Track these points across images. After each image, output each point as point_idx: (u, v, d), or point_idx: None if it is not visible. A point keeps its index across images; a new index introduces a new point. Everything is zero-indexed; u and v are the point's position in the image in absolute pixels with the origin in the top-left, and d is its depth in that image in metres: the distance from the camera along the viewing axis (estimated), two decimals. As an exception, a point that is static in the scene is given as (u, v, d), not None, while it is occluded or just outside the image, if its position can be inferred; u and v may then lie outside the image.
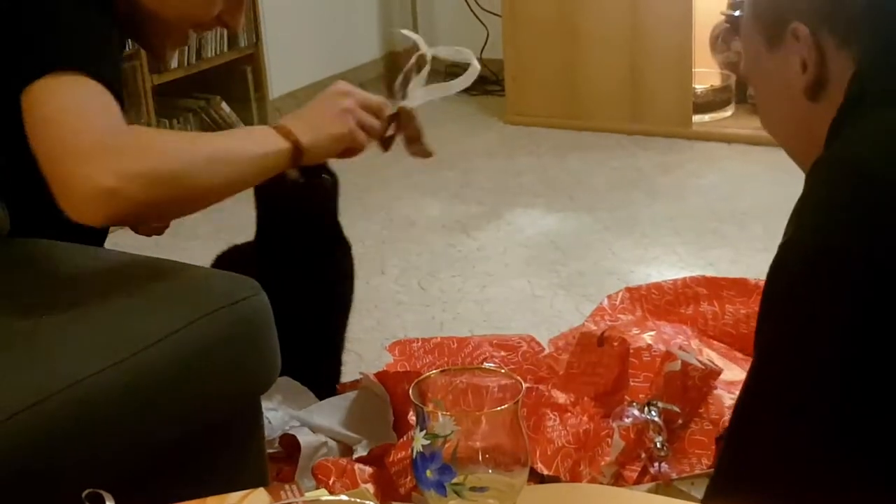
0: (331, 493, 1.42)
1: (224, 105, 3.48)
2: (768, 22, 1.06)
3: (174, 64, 3.26)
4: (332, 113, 1.43)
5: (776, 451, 0.91)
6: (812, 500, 0.79)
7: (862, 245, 0.86)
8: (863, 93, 0.97)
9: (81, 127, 1.23)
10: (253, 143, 1.35)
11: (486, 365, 1.87)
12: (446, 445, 0.80)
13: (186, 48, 3.28)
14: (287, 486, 0.76)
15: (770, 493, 0.82)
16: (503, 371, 0.86)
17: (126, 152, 1.23)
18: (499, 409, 0.82)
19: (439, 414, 0.81)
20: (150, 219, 1.27)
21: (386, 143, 1.58)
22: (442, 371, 0.86)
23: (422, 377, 0.84)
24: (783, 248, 0.91)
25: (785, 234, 0.92)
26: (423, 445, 0.81)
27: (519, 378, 0.84)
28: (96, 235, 1.58)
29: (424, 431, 0.81)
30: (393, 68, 4.46)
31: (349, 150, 1.47)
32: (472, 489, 0.81)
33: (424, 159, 1.63)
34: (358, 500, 0.79)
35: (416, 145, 1.61)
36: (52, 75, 1.26)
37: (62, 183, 1.22)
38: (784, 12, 1.04)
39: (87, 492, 0.70)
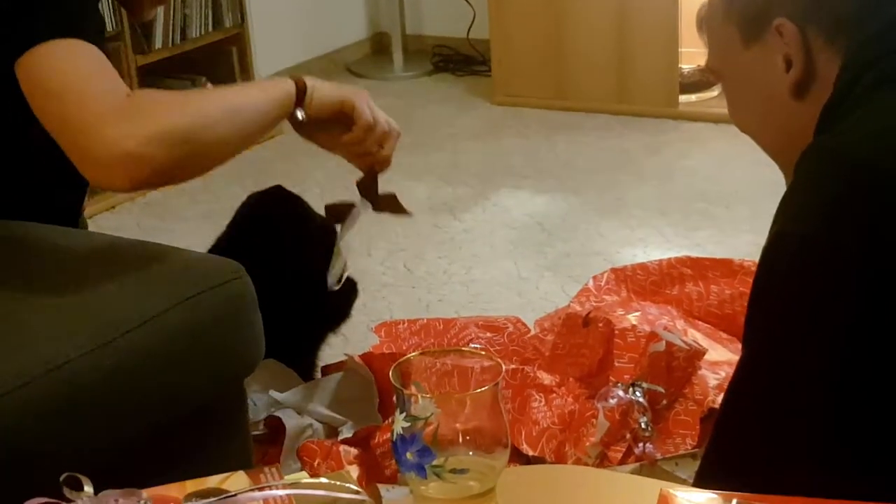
0: (316, 474, 1.42)
1: (209, 86, 3.45)
2: (747, 16, 1.03)
3: (158, 44, 3.24)
4: (348, 86, 1.54)
5: (765, 440, 0.91)
6: (800, 489, 0.79)
7: (852, 236, 0.85)
8: (852, 85, 0.96)
9: (90, 93, 1.23)
10: (259, 90, 1.42)
11: (470, 346, 1.87)
12: (427, 428, 0.80)
13: (171, 28, 3.26)
14: (267, 469, 0.76)
15: (758, 481, 0.82)
16: (483, 353, 0.86)
17: (142, 115, 1.23)
18: (479, 390, 0.82)
19: (419, 396, 0.81)
20: (175, 179, 1.30)
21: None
22: (422, 353, 0.86)
23: (402, 359, 0.84)
24: (773, 239, 0.90)
25: (774, 223, 0.91)
26: (402, 428, 0.81)
27: (499, 360, 0.84)
28: (71, 216, 1.58)
29: (404, 414, 0.81)
30: (379, 49, 4.45)
31: (344, 116, 1.51)
32: (453, 471, 0.81)
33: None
34: (339, 483, 0.79)
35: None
36: (45, 44, 1.25)
37: (83, 151, 1.22)
38: (767, 7, 1.00)
39: (64, 476, 0.70)
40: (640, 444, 1.61)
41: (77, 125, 1.22)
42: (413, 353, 0.85)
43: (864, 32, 0.98)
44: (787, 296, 0.90)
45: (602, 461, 1.62)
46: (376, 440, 1.69)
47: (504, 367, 0.84)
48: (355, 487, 0.79)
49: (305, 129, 1.49)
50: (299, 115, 1.44)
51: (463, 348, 1.73)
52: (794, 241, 0.89)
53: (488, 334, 1.98)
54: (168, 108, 1.27)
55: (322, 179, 3.18)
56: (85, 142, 1.22)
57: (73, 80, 1.24)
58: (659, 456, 1.60)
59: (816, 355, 0.88)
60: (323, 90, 1.47)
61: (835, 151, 0.92)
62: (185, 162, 1.26)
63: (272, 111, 1.40)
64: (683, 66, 3.60)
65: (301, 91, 1.43)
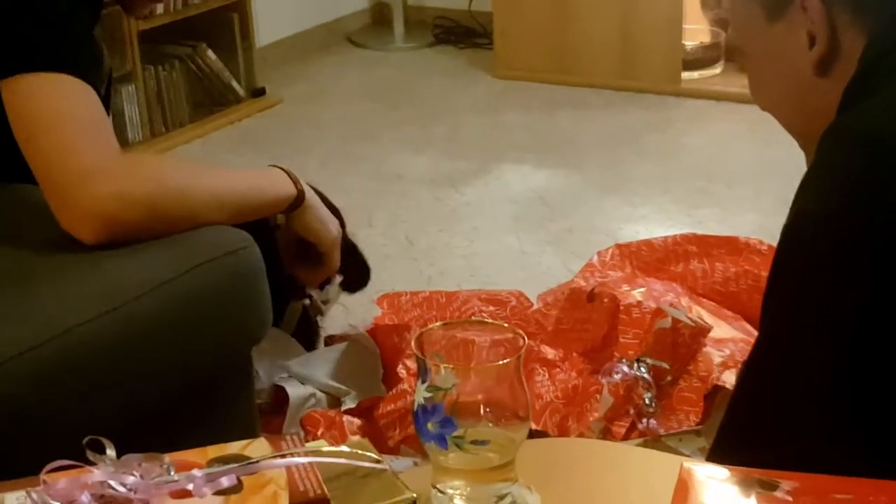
0: (321, 444, 1.42)
1: (210, 53, 3.43)
2: None
3: (160, 9, 3.21)
4: (335, 221, 1.58)
5: (778, 420, 0.91)
6: (818, 467, 0.79)
7: (872, 217, 0.85)
8: (877, 64, 0.95)
9: (80, 141, 1.23)
10: (258, 185, 1.42)
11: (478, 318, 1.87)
12: (447, 398, 0.80)
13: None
14: (288, 437, 0.76)
15: (770, 459, 0.82)
16: (506, 325, 0.86)
17: (127, 179, 1.24)
18: (501, 362, 0.81)
19: (441, 367, 0.80)
20: (141, 240, 1.29)
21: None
22: (444, 324, 0.85)
23: (424, 329, 0.84)
24: (792, 218, 0.90)
25: (794, 202, 0.90)
26: (424, 398, 0.80)
27: (521, 332, 0.84)
28: None
29: (426, 384, 0.80)
30: (380, 19, 4.42)
31: (308, 272, 1.61)
32: (473, 442, 0.81)
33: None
34: (359, 451, 0.79)
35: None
36: (38, 73, 1.23)
37: (60, 198, 1.23)
38: None
39: (87, 439, 0.70)
40: (644, 420, 1.62)
41: (60, 174, 1.23)
42: (436, 324, 0.85)
43: (889, 10, 0.97)
44: (803, 276, 0.90)
45: (605, 436, 1.62)
46: (380, 411, 1.69)
47: (525, 340, 0.83)
48: (375, 456, 0.79)
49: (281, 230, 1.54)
50: (277, 218, 1.49)
51: (486, 320, 1.72)
52: (812, 222, 0.89)
53: (491, 308, 1.98)
54: (155, 179, 1.28)
55: (322, 151, 3.17)
56: (64, 192, 1.23)
57: (63, 125, 1.23)
58: (662, 432, 1.60)
59: (831, 338, 0.88)
60: (313, 215, 1.50)
61: (857, 130, 0.92)
62: (156, 229, 1.28)
63: (259, 208, 1.42)
64: (687, 43, 3.58)
65: (298, 201, 1.46)
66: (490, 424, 0.82)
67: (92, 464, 0.69)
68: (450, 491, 0.83)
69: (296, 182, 1.46)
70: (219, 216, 1.33)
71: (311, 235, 1.53)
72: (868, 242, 0.85)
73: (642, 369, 1.64)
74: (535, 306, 1.97)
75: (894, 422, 0.88)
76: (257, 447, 0.75)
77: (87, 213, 1.22)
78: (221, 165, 1.55)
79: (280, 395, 1.75)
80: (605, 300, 1.77)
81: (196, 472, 0.69)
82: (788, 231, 0.91)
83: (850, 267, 0.86)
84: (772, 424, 0.93)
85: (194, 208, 1.30)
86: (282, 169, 1.47)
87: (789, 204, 0.91)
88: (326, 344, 1.91)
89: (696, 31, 3.68)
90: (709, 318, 1.77)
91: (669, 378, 1.66)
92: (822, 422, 0.89)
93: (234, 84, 3.51)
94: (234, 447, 0.75)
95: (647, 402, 1.62)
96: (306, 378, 1.77)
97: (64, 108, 1.24)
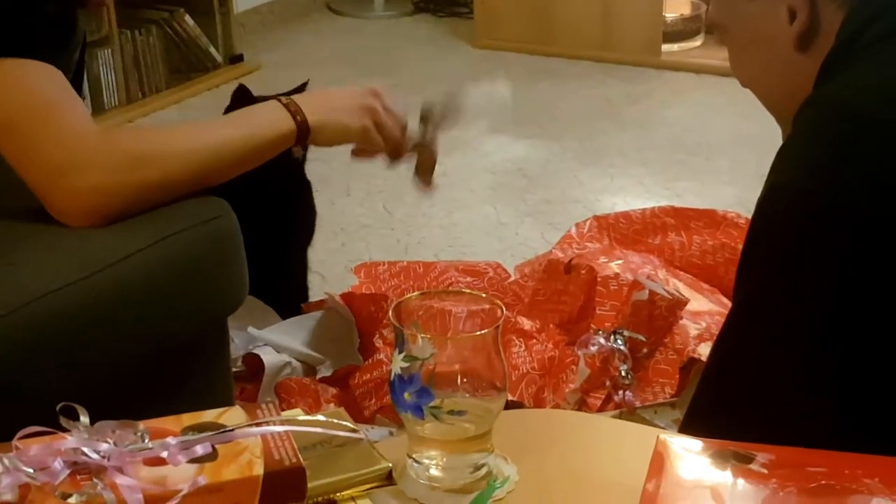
0: (296, 413, 1.41)
1: (188, 18, 3.40)
2: None
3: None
4: (351, 104, 1.39)
5: (753, 390, 0.91)
6: (788, 439, 0.79)
7: (849, 189, 0.85)
8: (854, 38, 0.95)
9: (44, 137, 1.18)
10: (248, 132, 1.31)
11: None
12: (424, 368, 0.80)
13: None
14: (264, 405, 0.75)
15: (746, 429, 0.82)
16: (483, 296, 0.85)
17: (104, 165, 1.20)
18: (479, 332, 0.81)
19: (418, 336, 0.80)
20: (140, 213, 1.25)
21: (395, 158, 1.49)
22: (421, 294, 0.85)
23: (402, 299, 0.83)
24: (769, 190, 0.90)
25: (770, 174, 0.91)
26: (401, 368, 0.80)
27: (499, 303, 0.83)
28: None
29: (403, 354, 0.80)
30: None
31: (362, 150, 1.43)
32: (450, 413, 0.81)
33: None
34: (335, 421, 0.79)
35: (424, 177, 1.55)
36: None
37: (41, 195, 1.21)
38: None
39: (61, 405, 0.69)
40: (620, 392, 1.62)
41: (34, 175, 1.19)
42: (413, 294, 0.84)
43: None
44: (781, 248, 0.90)
45: (581, 408, 1.63)
46: (356, 380, 1.68)
47: (503, 310, 0.83)
48: (351, 425, 0.79)
49: None
50: (295, 151, 1.38)
51: (464, 290, 1.72)
52: (789, 193, 0.89)
53: (468, 278, 1.98)
54: (130, 159, 1.22)
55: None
56: (42, 191, 1.20)
57: (32, 118, 1.18)
58: (638, 404, 1.61)
59: (805, 312, 0.88)
60: (326, 131, 1.35)
61: (834, 103, 0.92)
62: (148, 202, 1.25)
63: (258, 153, 1.32)
64: (667, 15, 3.58)
65: (303, 133, 1.33)
66: (467, 395, 0.81)
67: (65, 430, 0.68)
68: (426, 461, 0.83)
69: (295, 114, 1.32)
70: (214, 174, 1.29)
71: (345, 140, 1.40)
72: (843, 216, 0.86)
73: (619, 341, 1.64)
74: (513, 277, 1.97)
75: (865, 396, 0.88)
76: (233, 415, 0.74)
77: (70, 210, 1.20)
78: (206, 120, 1.45)
79: (255, 363, 1.74)
80: (583, 272, 1.77)
81: (171, 440, 0.69)
82: (763, 203, 0.91)
83: (824, 240, 0.87)
84: (743, 398, 0.93)
85: (180, 176, 1.26)
86: (279, 100, 1.35)
87: (766, 177, 0.92)
88: (302, 312, 1.90)
89: (677, 3, 3.67)
90: (685, 291, 1.77)
91: (645, 350, 1.67)
92: (793, 396, 0.90)
93: (212, 50, 3.48)
94: (209, 415, 0.74)
95: (623, 374, 1.62)
96: (282, 346, 1.77)
97: (20, 100, 1.19)
